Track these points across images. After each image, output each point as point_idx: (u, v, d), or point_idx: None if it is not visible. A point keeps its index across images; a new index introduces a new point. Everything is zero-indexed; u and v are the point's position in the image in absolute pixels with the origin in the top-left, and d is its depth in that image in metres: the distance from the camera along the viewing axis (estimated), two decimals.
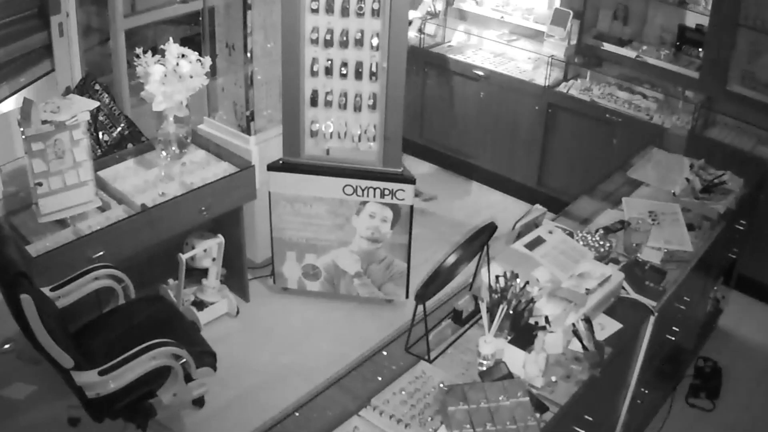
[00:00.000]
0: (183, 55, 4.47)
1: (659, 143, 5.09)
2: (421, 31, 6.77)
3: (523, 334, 3.15)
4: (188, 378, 3.88)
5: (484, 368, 3.05)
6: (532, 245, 3.53)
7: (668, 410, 4.65)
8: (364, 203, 4.95)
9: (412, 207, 4.95)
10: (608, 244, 3.81)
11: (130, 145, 5.07)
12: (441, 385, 2.99)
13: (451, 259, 3.13)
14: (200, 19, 5.18)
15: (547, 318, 3.18)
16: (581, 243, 3.75)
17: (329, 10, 4.63)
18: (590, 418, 3.26)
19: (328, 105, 4.84)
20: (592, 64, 6.27)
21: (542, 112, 6.27)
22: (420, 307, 3.06)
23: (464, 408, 2.75)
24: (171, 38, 4.52)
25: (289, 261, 5.18)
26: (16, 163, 4.48)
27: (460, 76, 6.64)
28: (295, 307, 5.31)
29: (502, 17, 6.76)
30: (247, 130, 5.17)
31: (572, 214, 4.22)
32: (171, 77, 4.42)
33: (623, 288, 3.61)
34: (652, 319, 3.57)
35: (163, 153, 4.67)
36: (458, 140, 6.87)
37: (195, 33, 5.41)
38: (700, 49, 5.83)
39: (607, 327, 3.40)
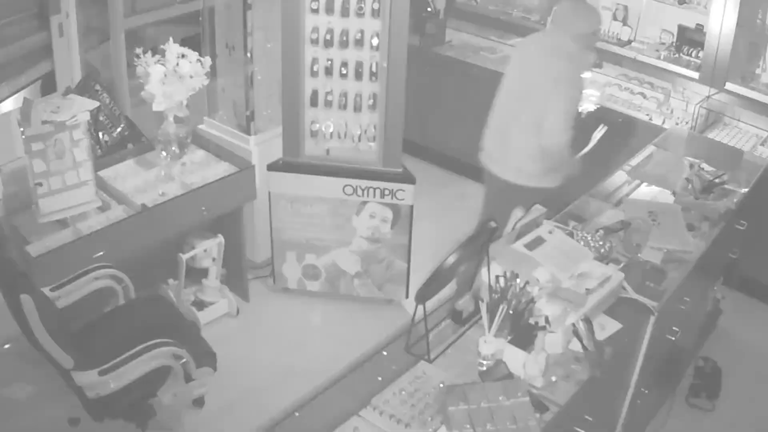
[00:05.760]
0: (183, 55, 4.48)
1: (659, 143, 5.12)
2: (422, 31, 6.81)
3: (523, 334, 3.16)
4: (188, 378, 3.90)
5: (485, 368, 3.06)
6: (532, 245, 3.55)
7: (668, 410, 4.65)
8: (364, 203, 4.96)
9: (412, 207, 4.97)
10: (608, 244, 3.82)
11: (130, 145, 5.09)
12: (441, 385, 3.00)
13: (452, 259, 3.14)
14: (200, 19, 5.19)
15: (547, 318, 3.19)
16: (581, 243, 3.77)
17: (329, 10, 4.65)
18: (590, 418, 3.28)
19: (328, 105, 4.86)
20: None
21: None
22: (420, 307, 3.07)
23: (464, 408, 2.77)
24: (171, 38, 4.53)
25: (289, 261, 5.20)
26: (16, 163, 4.48)
27: (462, 75, 6.66)
28: (296, 307, 5.33)
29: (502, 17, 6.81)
30: (247, 130, 5.18)
31: (572, 214, 4.23)
32: (171, 77, 4.44)
33: (623, 288, 3.61)
34: (652, 319, 3.58)
35: (163, 153, 4.69)
36: (460, 140, 6.86)
37: (195, 33, 5.42)
38: (699, 49, 5.86)
39: (607, 327, 3.41)
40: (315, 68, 4.79)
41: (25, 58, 5.23)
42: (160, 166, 4.72)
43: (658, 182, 4.61)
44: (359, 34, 4.70)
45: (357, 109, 4.87)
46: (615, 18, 6.28)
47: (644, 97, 6.06)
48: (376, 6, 4.63)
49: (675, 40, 6.03)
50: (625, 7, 6.21)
